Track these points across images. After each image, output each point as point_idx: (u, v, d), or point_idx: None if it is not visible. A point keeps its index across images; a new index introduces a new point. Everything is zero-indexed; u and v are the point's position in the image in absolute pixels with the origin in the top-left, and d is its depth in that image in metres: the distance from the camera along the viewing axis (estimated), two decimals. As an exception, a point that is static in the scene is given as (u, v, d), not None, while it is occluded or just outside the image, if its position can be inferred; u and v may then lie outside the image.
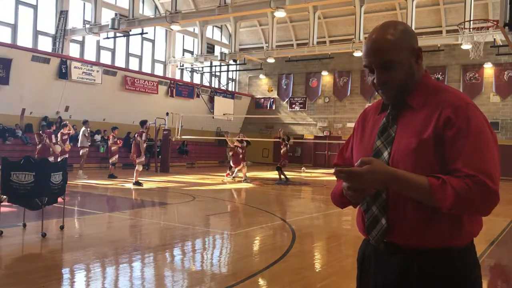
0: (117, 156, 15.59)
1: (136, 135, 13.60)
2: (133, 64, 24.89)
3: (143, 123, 13.68)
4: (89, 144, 16.42)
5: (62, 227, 6.46)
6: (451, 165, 1.45)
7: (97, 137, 20.99)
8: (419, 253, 1.52)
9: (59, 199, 6.42)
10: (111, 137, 15.52)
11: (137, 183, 13.04)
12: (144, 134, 13.42)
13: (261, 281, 4.70)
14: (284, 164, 16.43)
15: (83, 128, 15.51)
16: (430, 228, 1.50)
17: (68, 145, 14.94)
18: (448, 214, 1.46)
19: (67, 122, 15.83)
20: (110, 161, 15.55)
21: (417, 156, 1.50)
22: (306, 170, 22.96)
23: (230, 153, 16.40)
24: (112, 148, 15.43)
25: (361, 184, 1.46)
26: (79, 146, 15.71)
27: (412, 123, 1.55)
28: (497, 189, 1.42)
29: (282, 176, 16.27)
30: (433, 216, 1.48)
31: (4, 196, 6.10)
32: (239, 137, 16.48)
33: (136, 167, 13.25)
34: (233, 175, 16.33)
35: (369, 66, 1.61)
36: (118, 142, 15.62)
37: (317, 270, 5.22)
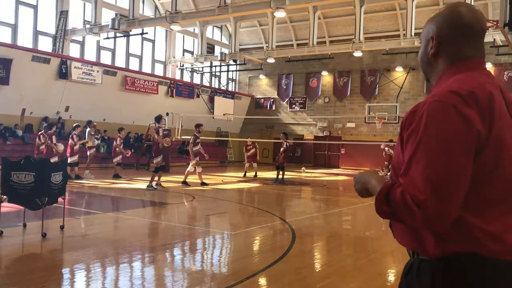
0: (121, 156, 15.69)
1: (190, 143, 13.79)
2: (133, 64, 24.89)
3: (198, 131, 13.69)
4: (98, 138, 16.56)
5: (62, 227, 6.46)
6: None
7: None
8: (418, 258, 1.40)
9: (59, 199, 6.43)
10: (118, 138, 15.62)
11: (185, 182, 13.43)
12: (197, 139, 13.58)
13: (261, 281, 4.70)
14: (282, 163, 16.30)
15: (88, 129, 15.57)
16: (409, 232, 1.40)
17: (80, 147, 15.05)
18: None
19: (78, 123, 15.93)
20: (114, 161, 15.66)
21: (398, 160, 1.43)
22: (306, 170, 22.96)
23: None
24: (117, 149, 15.53)
25: (357, 191, 1.55)
26: (86, 146, 15.79)
27: None
28: (423, 202, 1.21)
29: (280, 176, 16.20)
30: None
31: (4, 196, 6.10)
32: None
33: (188, 168, 13.65)
34: None
35: None
36: (127, 153, 15.93)
37: (317, 270, 5.22)
